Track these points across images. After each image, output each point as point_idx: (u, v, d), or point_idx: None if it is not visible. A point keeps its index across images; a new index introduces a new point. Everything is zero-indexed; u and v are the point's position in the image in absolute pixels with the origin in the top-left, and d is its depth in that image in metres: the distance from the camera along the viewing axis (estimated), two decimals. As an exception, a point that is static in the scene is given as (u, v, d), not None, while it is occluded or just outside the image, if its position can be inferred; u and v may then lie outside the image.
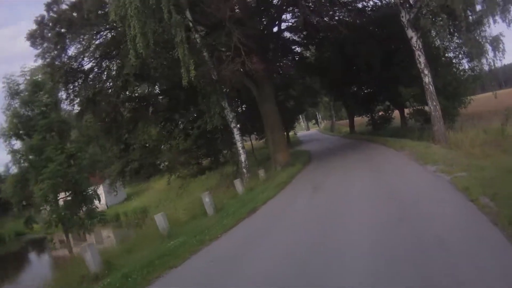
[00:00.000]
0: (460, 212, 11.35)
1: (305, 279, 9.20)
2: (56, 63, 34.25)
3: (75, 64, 36.11)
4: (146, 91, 42.22)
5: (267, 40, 37.84)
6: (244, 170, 31.66)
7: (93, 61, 37.07)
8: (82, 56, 35.98)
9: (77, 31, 33.26)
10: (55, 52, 34.35)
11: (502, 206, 10.29)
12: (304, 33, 45.04)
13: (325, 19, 35.89)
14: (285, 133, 69.30)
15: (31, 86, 29.40)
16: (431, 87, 28.68)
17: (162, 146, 45.20)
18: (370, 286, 8.10)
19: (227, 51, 29.25)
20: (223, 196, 26.67)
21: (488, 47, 29.81)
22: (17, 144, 30.04)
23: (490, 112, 37.10)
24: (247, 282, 10.07)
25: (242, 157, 31.96)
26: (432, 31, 30.16)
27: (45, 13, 33.68)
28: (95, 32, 34.79)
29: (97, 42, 36.23)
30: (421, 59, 28.65)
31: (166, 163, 48.64)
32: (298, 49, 52.21)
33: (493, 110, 36.67)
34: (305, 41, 48.99)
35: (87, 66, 37.24)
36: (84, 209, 29.86)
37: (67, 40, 34.38)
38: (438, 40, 33.57)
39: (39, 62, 33.97)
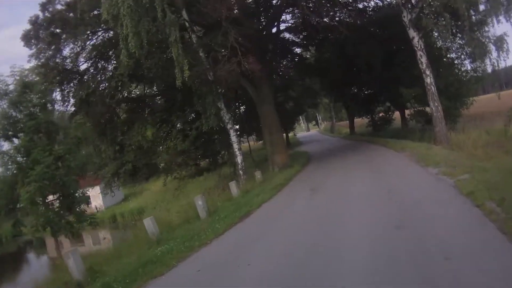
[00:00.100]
0: (465, 219, 10.61)
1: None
2: (50, 63, 33.51)
3: (70, 64, 35.44)
4: (142, 92, 41.67)
5: (266, 41, 37.30)
6: (241, 172, 30.94)
7: (89, 61, 36.44)
8: (76, 57, 35.26)
9: (71, 31, 32.55)
10: (50, 52, 33.76)
11: (510, 212, 9.61)
12: (304, 33, 44.67)
13: (325, 19, 35.38)
14: (285, 134, 69.21)
15: (20, 87, 28.74)
16: (433, 87, 28.10)
17: (160, 147, 44.65)
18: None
19: (223, 51, 28.51)
20: (217, 198, 25.81)
21: (492, 47, 29.27)
22: (5, 145, 29.45)
23: (492, 113, 36.66)
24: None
25: (239, 159, 31.20)
26: (434, 31, 29.71)
27: (39, 13, 33.14)
28: (90, 32, 34.16)
29: (93, 42, 35.82)
30: (423, 60, 28.06)
31: (162, 165, 48.14)
32: (297, 50, 51.78)
33: (496, 111, 36.18)
34: (305, 42, 48.51)
35: (82, 67, 36.77)
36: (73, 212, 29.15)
37: (62, 40, 33.69)
38: (440, 40, 33.19)
39: (34, 62, 33.67)
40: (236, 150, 31.33)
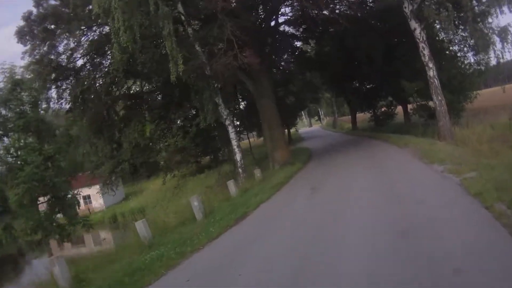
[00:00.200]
0: (475, 222, 9.77)
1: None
2: (45, 60, 32.88)
3: (65, 61, 34.80)
4: (139, 88, 40.99)
5: (265, 34, 36.84)
6: (240, 170, 30.23)
7: (84, 58, 35.79)
8: (70, 53, 34.67)
9: (65, 26, 31.93)
10: (44, 49, 33.26)
11: (522, 215, 8.78)
12: (304, 26, 44.21)
13: (324, 12, 34.71)
14: (286, 130, 68.78)
15: (10, 84, 27.98)
16: (436, 81, 27.40)
17: (160, 145, 43.99)
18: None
19: (220, 45, 27.80)
20: (215, 198, 25.14)
21: (496, 38, 28.59)
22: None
23: (496, 107, 36.06)
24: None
25: (238, 156, 30.47)
26: (436, 23, 29.09)
27: (33, 9, 32.64)
28: (85, 28, 33.50)
29: (88, 38, 35.14)
30: (425, 52, 27.39)
31: (162, 162, 47.64)
32: (297, 44, 51.28)
33: (500, 105, 35.56)
34: (304, 35, 47.98)
35: (78, 63, 36.26)
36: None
37: (56, 36, 33.09)
38: (442, 32, 32.66)
39: (28, 59, 33.15)
40: (235, 147, 30.60)
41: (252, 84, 34.33)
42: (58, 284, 12.88)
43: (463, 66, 37.61)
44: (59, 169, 26.90)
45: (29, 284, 18.33)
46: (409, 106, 50.04)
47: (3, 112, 28.01)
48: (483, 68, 35.54)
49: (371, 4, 39.68)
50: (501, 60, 29.74)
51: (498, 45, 28.85)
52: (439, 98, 27.50)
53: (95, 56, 35.45)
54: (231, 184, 25.24)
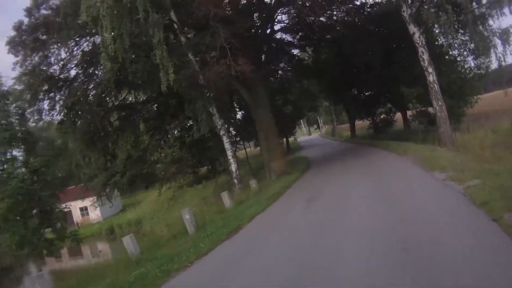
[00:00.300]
0: (483, 237, 8.83)
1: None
2: (37, 71, 32.22)
3: (57, 71, 34.05)
4: (133, 98, 40.30)
5: (261, 42, 36.41)
6: (235, 181, 29.60)
7: (77, 68, 35.07)
8: (63, 63, 33.95)
9: (55, 36, 31.23)
10: (36, 59, 32.64)
11: (535, 229, 7.97)
12: (300, 34, 43.86)
13: (321, 18, 34.26)
14: (284, 139, 68.47)
15: (-3, 96, 27.35)
16: (435, 86, 26.92)
17: (153, 156, 43.32)
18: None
19: (213, 53, 27.15)
20: (209, 210, 24.32)
21: (497, 41, 27.93)
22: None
23: (498, 111, 35.52)
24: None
25: (233, 167, 29.83)
26: (436, 27, 28.63)
27: (25, 18, 32.10)
28: (77, 38, 32.83)
29: (82, 48, 34.59)
30: (425, 56, 26.95)
31: (160, 174, 47.12)
32: (294, 51, 50.76)
33: (501, 109, 35.03)
34: (301, 42, 47.44)
35: (71, 73, 35.64)
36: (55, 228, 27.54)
37: (47, 46, 32.39)
38: (441, 37, 32.26)
39: (19, 70, 32.66)
40: (230, 157, 29.96)
41: (247, 93, 33.79)
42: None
43: (463, 70, 37.29)
44: (46, 183, 26.04)
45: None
46: (409, 113, 49.80)
47: (-11, 124, 27.26)
48: (483, 72, 34.98)
49: (368, 10, 39.63)
50: (503, 63, 29.02)
51: (500, 48, 28.30)
52: (439, 103, 27.00)
53: (86, 66, 34.69)
54: (225, 196, 24.50)
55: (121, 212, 69.08)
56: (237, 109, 49.83)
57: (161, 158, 44.77)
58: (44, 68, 33.18)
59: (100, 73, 35.23)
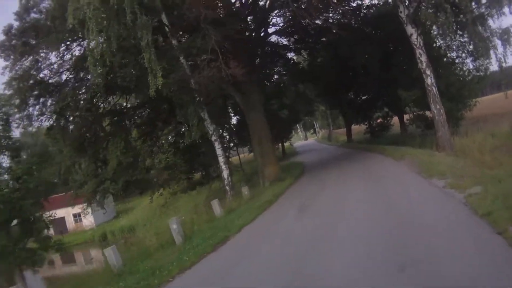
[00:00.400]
0: (487, 254, 7.93)
1: None
2: (25, 76, 31.56)
3: (48, 76, 33.64)
4: (124, 103, 39.65)
5: (255, 45, 35.80)
6: (227, 188, 28.96)
7: (68, 73, 34.50)
8: (53, 68, 33.44)
9: (44, 40, 30.55)
10: (26, 64, 32.11)
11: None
12: (295, 37, 43.53)
13: (317, 21, 33.84)
14: (280, 144, 68.07)
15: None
16: (434, 88, 26.31)
17: (147, 162, 42.72)
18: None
19: (204, 56, 26.43)
20: (198, 219, 23.51)
21: (497, 41, 27.27)
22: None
23: (496, 115, 34.97)
24: None
25: (225, 173, 29.26)
26: (433, 29, 28.14)
27: (15, 22, 31.65)
28: (67, 42, 32.29)
29: (73, 52, 34.17)
30: (423, 58, 26.38)
31: (155, 179, 46.71)
32: (289, 55, 50.15)
33: (500, 113, 34.52)
34: (297, 46, 46.96)
35: (62, 78, 35.10)
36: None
37: (35, 50, 31.75)
38: (439, 39, 31.89)
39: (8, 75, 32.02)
40: (221, 163, 29.28)
41: (241, 97, 33.29)
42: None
43: (461, 73, 36.97)
44: (28, 191, 25.18)
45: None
46: (406, 117, 49.76)
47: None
48: (482, 74, 34.39)
49: (365, 11, 39.37)
50: (504, 64, 28.28)
51: (500, 49, 27.65)
52: (438, 106, 26.36)
53: (77, 71, 34.05)
54: (215, 204, 23.67)
55: (114, 218, 68.57)
56: (232, 114, 49.41)
57: (155, 164, 44.32)
58: (34, 72, 32.61)
59: (90, 78, 34.76)
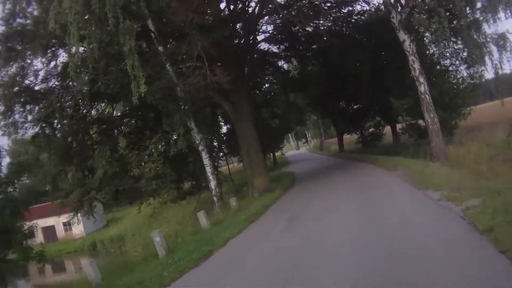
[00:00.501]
0: (492, 277, 7.10)
1: None
2: (10, 82, 30.81)
3: (33, 82, 33.04)
4: (110, 112, 39.00)
5: (244, 52, 35.27)
6: (215, 199, 28.14)
7: (53, 79, 33.81)
8: (38, 74, 32.85)
9: (29, 45, 29.90)
10: (11, 70, 31.30)
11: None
12: (285, 44, 43.22)
13: (307, 28, 33.32)
14: (271, 153, 67.75)
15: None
16: (427, 96, 25.71)
17: (137, 171, 42.06)
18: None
19: (189, 63, 25.75)
20: (184, 231, 22.97)
21: (493, 47, 26.59)
22: None
23: (490, 124, 34.66)
24: None
25: (212, 184, 28.50)
26: (426, 35, 27.64)
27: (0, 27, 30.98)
28: (53, 48, 31.57)
29: (59, 59, 33.30)
30: (416, 65, 25.79)
31: (144, 189, 46.11)
32: (280, 63, 49.81)
33: (494, 122, 34.16)
34: (287, 53, 46.43)
35: (48, 85, 34.25)
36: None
37: (21, 56, 31.05)
38: (432, 46, 31.58)
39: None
40: (209, 174, 28.49)
41: (229, 106, 32.68)
42: None
43: (455, 81, 36.41)
44: (6, 201, 24.48)
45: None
46: (398, 126, 49.67)
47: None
48: (477, 81, 33.82)
49: (356, 18, 39.02)
50: (500, 71, 27.57)
51: (496, 55, 27.06)
52: (431, 115, 25.74)
53: (60, 77, 33.34)
54: (201, 215, 22.84)
55: (104, 227, 68.96)
56: (222, 123, 49.01)
57: (145, 173, 43.81)
58: (20, 79, 31.85)
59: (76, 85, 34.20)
